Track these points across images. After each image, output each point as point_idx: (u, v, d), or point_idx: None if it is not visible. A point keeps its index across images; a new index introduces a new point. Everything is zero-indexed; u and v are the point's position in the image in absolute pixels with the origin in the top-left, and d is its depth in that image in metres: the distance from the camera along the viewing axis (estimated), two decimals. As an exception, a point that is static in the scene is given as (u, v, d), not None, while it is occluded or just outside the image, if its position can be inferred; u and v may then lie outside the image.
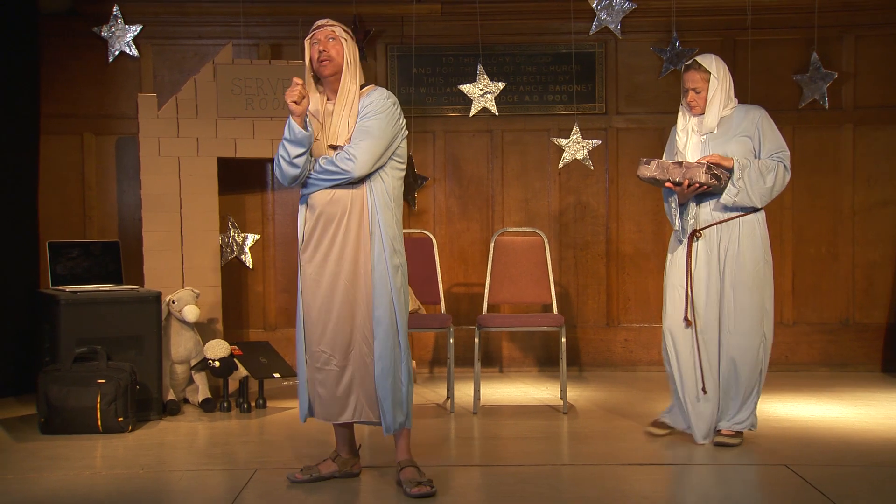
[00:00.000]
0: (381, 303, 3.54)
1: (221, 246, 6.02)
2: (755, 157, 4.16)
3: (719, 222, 4.17)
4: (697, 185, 4.06)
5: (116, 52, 6.07)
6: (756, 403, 4.24)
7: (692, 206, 4.19)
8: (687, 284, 4.18)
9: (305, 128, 3.49)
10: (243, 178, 6.13)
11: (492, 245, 5.48)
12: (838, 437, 4.36)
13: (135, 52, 6.08)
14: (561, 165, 6.24)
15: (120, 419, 4.50)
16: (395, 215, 3.60)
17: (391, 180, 3.60)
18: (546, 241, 5.46)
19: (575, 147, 6.21)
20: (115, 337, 4.78)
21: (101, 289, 4.99)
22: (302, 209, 3.63)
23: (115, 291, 4.94)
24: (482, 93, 6.22)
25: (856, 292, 6.25)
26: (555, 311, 5.32)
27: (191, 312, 5.07)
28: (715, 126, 4.20)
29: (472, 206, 6.30)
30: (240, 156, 5.71)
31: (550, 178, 6.29)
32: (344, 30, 3.60)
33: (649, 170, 4.13)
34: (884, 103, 6.21)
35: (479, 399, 5.05)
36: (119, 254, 5.33)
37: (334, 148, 3.54)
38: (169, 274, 5.55)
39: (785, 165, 4.15)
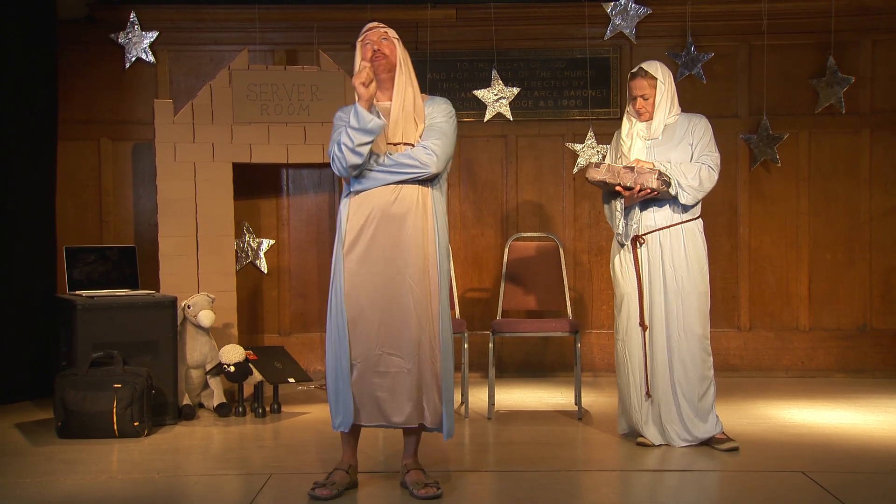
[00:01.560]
0: (445, 304, 3.55)
1: (237, 251, 6.04)
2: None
3: (661, 228, 4.23)
4: (648, 189, 4.12)
5: (133, 59, 6.11)
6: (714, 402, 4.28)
7: (636, 211, 4.25)
8: (639, 290, 4.23)
9: (374, 114, 3.44)
10: (258, 184, 6.15)
11: (506, 250, 5.48)
12: (856, 444, 4.33)
13: (151, 58, 6.12)
14: (575, 170, 6.24)
15: (136, 423, 4.52)
16: (446, 218, 3.65)
17: (445, 185, 3.66)
18: (560, 246, 5.45)
19: (589, 152, 6.20)
20: (131, 341, 4.79)
21: (117, 294, 5.02)
22: (350, 206, 3.53)
23: (131, 296, 4.96)
24: (497, 98, 6.22)
25: (873, 298, 6.21)
26: (569, 316, 5.31)
27: (206, 317, 5.09)
28: (660, 132, 4.27)
29: (487, 211, 6.30)
30: (255, 161, 5.73)
31: (565, 183, 6.28)
32: (394, 33, 3.63)
33: (599, 173, 4.19)
34: (901, 108, 6.18)
35: (494, 404, 5.04)
36: (135, 259, 5.36)
37: (396, 145, 3.52)
38: (184, 279, 5.57)
39: (709, 166, 4.20)
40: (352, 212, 3.54)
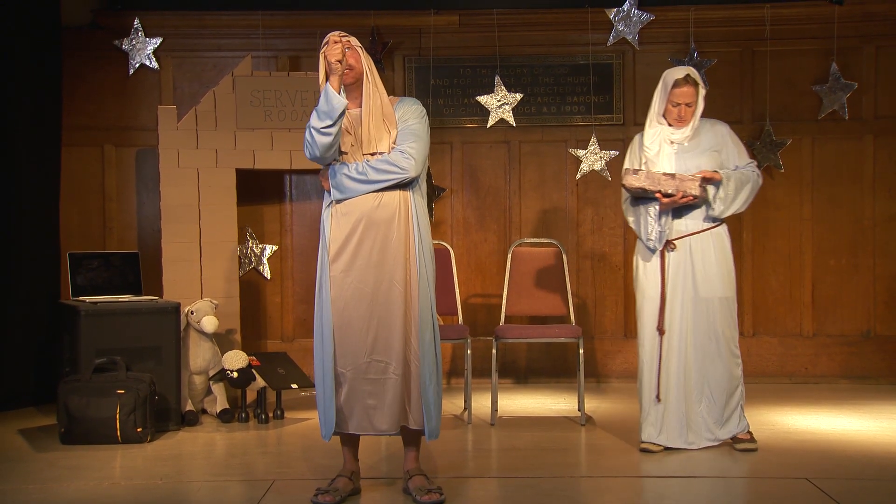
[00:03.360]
0: (425, 306, 3.55)
1: (240, 257, 6.04)
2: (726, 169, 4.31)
3: (692, 234, 4.26)
4: (691, 197, 4.14)
5: (137, 65, 6.13)
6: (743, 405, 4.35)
7: (667, 217, 4.26)
8: (662, 295, 4.25)
9: (340, 94, 3.43)
10: (262, 190, 6.16)
11: (509, 256, 5.48)
12: (860, 451, 4.32)
13: (155, 64, 6.14)
14: (578, 176, 6.24)
15: (139, 429, 4.52)
16: (427, 220, 3.65)
17: (424, 186, 3.66)
18: (563, 252, 5.45)
19: (592, 158, 6.20)
20: (135, 347, 4.80)
21: (120, 299, 5.03)
22: (333, 216, 3.55)
23: (134, 302, 4.97)
24: (500, 104, 6.23)
25: (877, 304, 6.20)
26: (572, 322, 5.30)
27: (209, 323, 5.09)
28: (689, 138, 4.30)
29: (490, 216, 6.31)
30: (258, 167, 5.74)
31: (568, 189, 6.28)
32: (356, 41, 3.60)
33: (638, 179, 4.19)
34: (904, 114, 6.18)
35: (497, 410, 5.04)
36: (138, 265, 5.37)
37: (372, 155, 3.52)
38: (187, 285, 5.57)
39: (758, 174, 4.33)
40: (335, 221, 3.54)
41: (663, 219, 4.25)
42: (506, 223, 6.30)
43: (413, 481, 3.58)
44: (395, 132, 3.56)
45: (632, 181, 4.21)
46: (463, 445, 4.56)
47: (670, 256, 4.27)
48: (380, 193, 3.51)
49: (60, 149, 5.94)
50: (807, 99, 6.20)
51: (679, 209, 4.26)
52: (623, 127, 6.26)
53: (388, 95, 3.65)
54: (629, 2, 6.13)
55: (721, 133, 4.32)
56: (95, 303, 4.89)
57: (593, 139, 6.19)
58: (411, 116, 3.58)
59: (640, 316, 4.35)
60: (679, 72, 4.27)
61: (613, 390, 5.97)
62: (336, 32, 3.57)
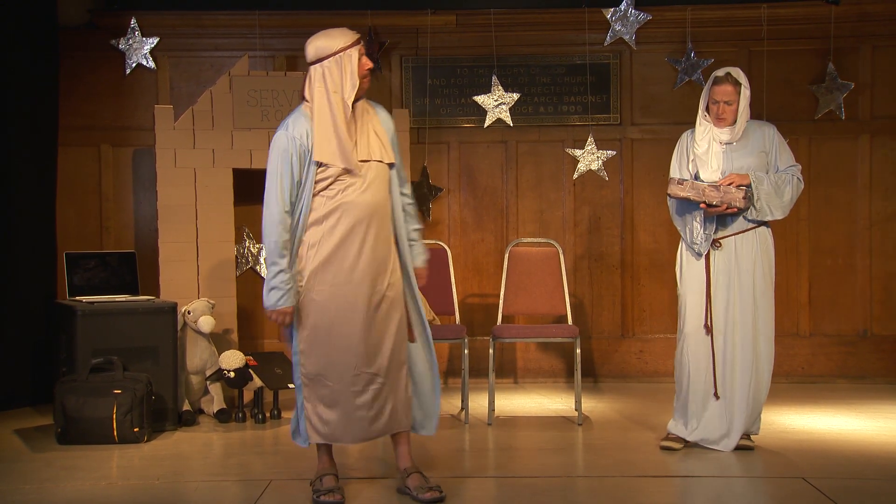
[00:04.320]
0: (413, 306, 3.61)
1: (237, 256, 6.04)
2: (770, 171, 4.30)
3: (737, 233, 4.27)
4: (735, 209, 4.17)
5: (133, 65, 6.12)
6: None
7: (712, 223, 4.28)
8: (707, 291, 4.25)
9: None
10: (259, 190, 6.06)
11: (506, 256, 5.48)
12: (857, 450, 4.32)
13: (152, 64, 6.13)
14: (576, 176, 6.24)
15: (136, 429, 4.52)
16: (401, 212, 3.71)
17: (402, 189, 3.71)
18: (561, 251, 5.45)
19: (590, 158, 6.21)
20: (131, 347, 4.79)
21: (117, 299, 5.02)
22: (324, 230, 3.50)
23: (131, 302, 4.96)
24: (497, 104, 6.23)
25: (873, 304, 6.21)
26: (569, 322, 5.31)
27: (206, 323, 5.09)
28: (738, 138, 4.30)
29: (487, 216, 6.31)
30: (255, 167, 5.72)
31: (565, 188, 6.28)
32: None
33: (683, 190, 4.22)
34: (901, 114, 6.18)
35: (494, 410, 5.04)
36: (135, 264, 5.36)
37: (366, 162, 3.51)
38: (184, 284, 5.57)
39: (799, 178, 4.31)
40: (325, 235, 3.49)
41: (708, 226, 4.27)
42: (503, 223, 6.30)
43: (411, 479, 3.58)
44: (385, 138, 3.59)
45: (677, 191, 4.24)
46: (460, 445, 4.56)
47: (715, 255, 4.28)
48: (372, 202, 3.50)
49: (57, 149, 5.93)
50: (803, 99, 6.20)
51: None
52: (620, 127, 6.26)
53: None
54: (626, 2, 6.13)
55: (769, 134, 4.32)
56: (92, 303, 4.88)
57: (590, 139, 6.19)
58: (390, 131, 3.67)
59: (682, 313, 4.34)
60: (721, 70, 4.32)
61: (611, 390, 5.98)
62: (358, 37, 3.56)
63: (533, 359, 6.27)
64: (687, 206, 4.29)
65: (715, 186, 4.18)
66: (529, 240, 5.76)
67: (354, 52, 3.51)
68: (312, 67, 3.55)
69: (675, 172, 4.37)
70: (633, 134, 6.28)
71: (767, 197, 4.21)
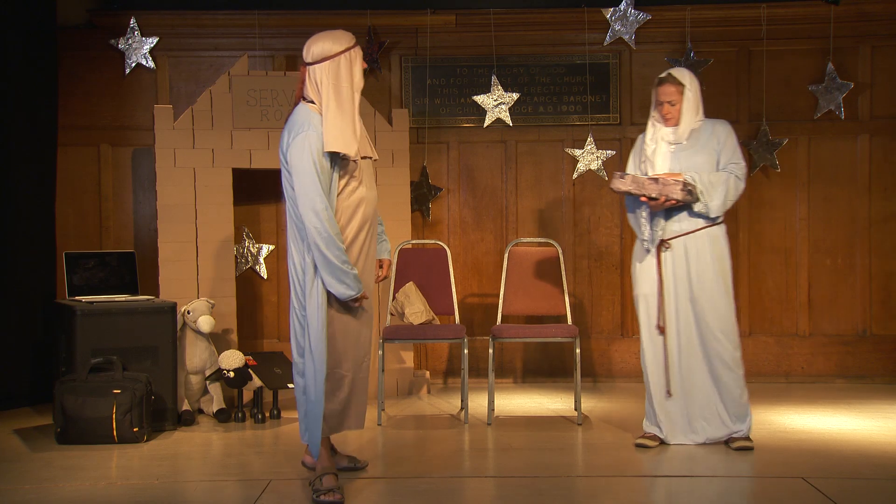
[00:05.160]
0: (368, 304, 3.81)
1: (236, 256, 6.04)
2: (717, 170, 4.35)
3: (686, 234, 4.32)
4: (674, 200, 4.21)
5: (133, 65, 6.12)
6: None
7: (661, 217, 4.33)
8: (659, 293, 4.31)
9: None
10: (258, 189, 6.15)
11: (506, 255, 5.48)
12: (856, 450, 4.32)
13: (151, 64, 6.13)
14: (575, 176, 6.24)
15: (135, 429, 4.52)
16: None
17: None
18: (560, 251, 5.45)
19: (589, 157, 6.21)
20: (131, 347, 4.80)
21: (116, 299, 5.02)
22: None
23: (130, 302, 4.96)
24: (496, 104, 6.23)
25: (873, 303, 6.21)
26: (569, 321, 5.31)
27: (206, 323, 5.09)
28: (685, 138, 4.35)
29: (487, 216, 6.31)
30: (255, 167, 5.73)
31: (565, 188, 6.28)
32: None
33: (624, 184, 4.29)
34: (900, 113, 6.19)
35: (494, 410, 5.04)
36: (135, 264, 5.36)
37: (364, 158, 3.73)
38: (184, 284, 5.57)
39: (736, 175, 4.32)
40: (345, 229, 3.70)
41: (655, 220, 4.33)
42: (502, 223, 6.30)
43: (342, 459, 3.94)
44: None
45: (618, 185, 4.32)
46: (459, 445, 4.56)
47: (665, 256, 4.33)
48: (374, 205, 3.76)
49: (56, 148, 5.92)
50: (803, 99, 6.20)
51: (675, 209, 4.32)
52: (619, 127, 6.26)
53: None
54: (626, 1, 6.13)
55: (720, 132, 4.36)
56: (92, 302, 4.88)
57: (590, 139, 6.19)
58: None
59: (638, 314, 4.45)
60: (665, 71, 4.41)
61: (610, 390, 5.98)
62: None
63: (532, 358, 6.27)
64: (633, 201, 4.36)
65: (654, 179, 4.23)
66: (529, 239, 5.76)
67: (357, 52, 3.71)
68: (317, 67, 3.64)
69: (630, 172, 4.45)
70: (632, 134, 6.26)
71: (704, 194, 4.25)
